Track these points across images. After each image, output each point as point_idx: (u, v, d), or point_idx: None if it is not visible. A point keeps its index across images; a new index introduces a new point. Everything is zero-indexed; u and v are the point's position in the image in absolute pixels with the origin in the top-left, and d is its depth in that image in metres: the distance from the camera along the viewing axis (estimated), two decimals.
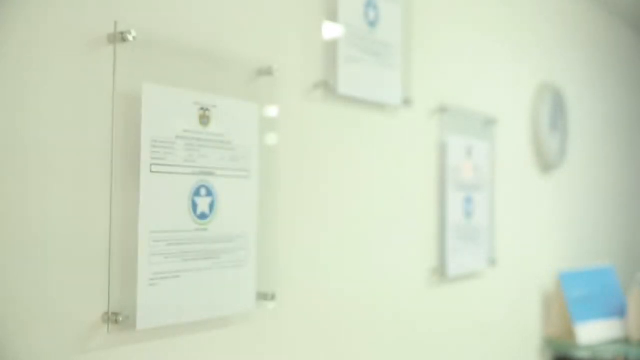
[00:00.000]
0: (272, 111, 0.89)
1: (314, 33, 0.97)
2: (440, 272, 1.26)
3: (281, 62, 0.89)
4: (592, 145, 2.05)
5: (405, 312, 1.19)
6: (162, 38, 0.75)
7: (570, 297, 1.65)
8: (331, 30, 0.99)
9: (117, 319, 0.69)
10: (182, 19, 0.79)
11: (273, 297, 0.86)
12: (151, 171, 0.71)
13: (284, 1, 0.93)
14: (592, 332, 1.64)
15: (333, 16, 0.99)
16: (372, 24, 1.07)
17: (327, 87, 0.98)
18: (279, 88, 0.89)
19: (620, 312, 1.71)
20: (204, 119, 0.77)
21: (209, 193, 0.78)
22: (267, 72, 0.86)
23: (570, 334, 1.66)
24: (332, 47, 0.99)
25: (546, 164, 1.75)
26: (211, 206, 0.78)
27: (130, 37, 0.70)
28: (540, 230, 1.73)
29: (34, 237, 0.63)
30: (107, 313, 0.69)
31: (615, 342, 1.65)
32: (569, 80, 1.87)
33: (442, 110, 1.27)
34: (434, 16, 1.28)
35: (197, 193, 0.76)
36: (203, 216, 0.77)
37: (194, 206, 0.76)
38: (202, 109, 0.77)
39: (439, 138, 1.27)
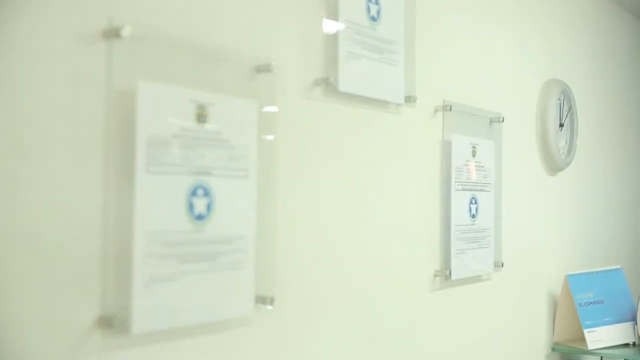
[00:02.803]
0: (271, 109, 0.87)
1: (314, 29, 0.95)
2: (444, 274, 1.23)
3: (280, 59, 0.88)
4: (600, 144, 2.02)
5: (408, 315, 1.16)
6: (158, 34, 0.73)
7: (579, 301, 1.62)
8: (331, 26, 0.97)
9: (112, 322, 0.67)
10: (179, 14, 0.77)
11: (272, 301, 0.84)
12: (147, 171, 0.70)
13: None
14: (601, 337, 1.60)
15: (333, 11, 0.97)
16: (374, 19, 1.05)
17: (328, 84, 0.96)
18: (278, 85, 0.88)
19: (630, 315, 1.67)
20: (201, 117, 0.76)
21: (206, 193, 0.76)
22: (266, 69, 0.85)
23: (579, 338, 1.62)
24: (332, 43, 0.97)
25: (553, 163, 1.72)
26: (208, 207, 0.76)
27: (125, 33, 0.68)
28: (547, 231, 1.70)
29: (25, 238, 0.62)
30: (101, 317, 0.67)
31: (625, 346, 1.62)
32: (576, 77, 1.84)
33: (446, 108, 1.25)
34: (438, 12, 1.26)
35: (194, 193, 0.75)
36: (200, 217, 0.75)
37: (191, 207, 0.74)
38: (199, 106, 0.75)
39: (443, 137, 1.25)
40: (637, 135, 2.31)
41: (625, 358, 1.60)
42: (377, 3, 1.05)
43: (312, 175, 0.96)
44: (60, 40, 0.65)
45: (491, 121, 1.41)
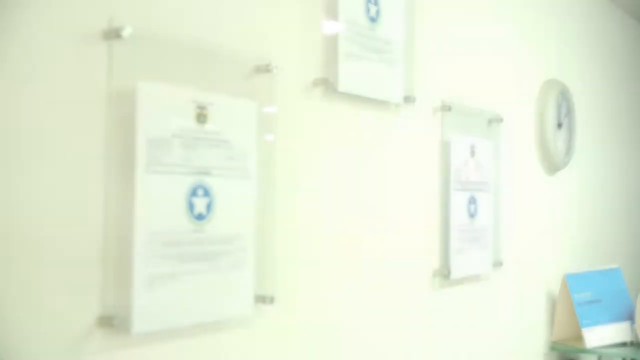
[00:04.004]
0: (270, 109, 0.87)
1: (313, 29, 0.95)
2: (444, 274, 1.24)
3: (280, 59, 0.88)
4: (599, 144, 2.02)
5: (407, 315, 1.16)
6: (158, 34, 0.73)
7: (577, 300, 1.62)
8: (331, 26, 0.97)
9: (112, 322, 0.67)
10: (179, 15, 0.77)
11: (272, 300, 0.84)
12: (147, 171, 0.70)
13: None
14: (599, 336, 1.61)
15: (333, 12, 0.97)
16: (373, 19, 1.05)
17: (327, 84, 0.96)
18: (278, 85, 0.88)
19: (627, 314, 1.68)
20: (201, 117, 0.76)
21: (206, 193, 0.76)
22: (265, 69, 0.85)
23: (577, 337, 1.63)
24: (332, 44, 0.97)
25: (552, 163, 1.72)
26: (208, 207, 0.76)
27: (125, 34, 0.68)
28: (546, 231, 1.71)
29: (25, 239, 0.62)
30: (101, 317, 0.67)
31: (622, 345, 1.62)
32: (575, 77, 1.85)
33: (445, 108, 1.25)
34: (437, 12, 1.26)
35: (194, 193, 0.75)
36: (200, 217, 0.75)
37: (191, 207, 0.74)
38: (199, 107, 0.75)
39: (442, 137, 1.25)
40: (635, 135, 2.32)
41: (623, 357, 1.60)
42: (376, 4, 1.05)
43: (311, 175, 0.96)
44: (60, 41, 0.65)
45: (490, 121, 1.41)
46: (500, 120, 1.43)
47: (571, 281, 1.65)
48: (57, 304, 0.64)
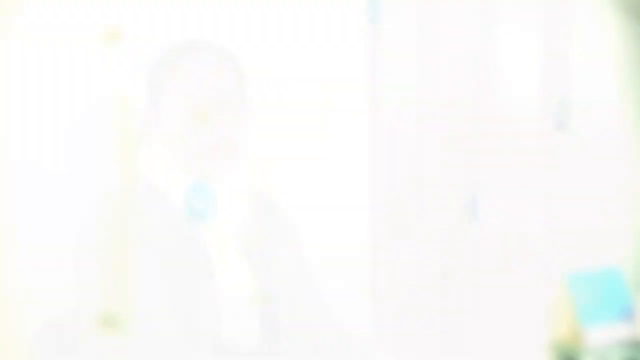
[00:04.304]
0: (271, 108, 0.87)
1: (314, 29, 0.95)
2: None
3: (280, 59, 0.88)
4: (600, 143, 2.02)
5: (407, 314, 1.16)
6: (158, 35, 0.73)
7: (577, 300, 1.62)
8: (331, 26, 0.97)
9: (112, 322, 0.67)
10: (178, 17, 0.77)
11: (271, 300, 0.84)
12: (147, 170, 0.70)
13: None
14: (600, 336, 1.61)
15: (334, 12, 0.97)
16: (373, 20, 1.04)
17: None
18: (279, 86, 0.88)
19: (628, 314, 1.68)
20: (201, 117, 0.76)
21: (206, 193, 0.76)
22: (265, 69, 0.85)
23: (577, 337, 1.63)
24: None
25: (553, 162, 1.72)
26: (208, 207, 0.76)
27: (125, 35, 0.68)
28: (546, 230, 1.70)
29: (25, 239, 0.62)
30: (101, 316, 0.67)
31: (623, 345, 1.62)
32: (576, 76, 1.84)
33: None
34: (438, 12, 1.26)
35: (193, 193, 0.75)
36: (200, 217, 0.75)
37: (191, 207, 0.74)
38: (199, 106, 0.75)
39: None
40: (636, 134, 2.32)
41: (623, 357, 1.60)
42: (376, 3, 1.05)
43: (312, 174, 0.96)
44: (60, 41, 0.65)
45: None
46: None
47: (571, 281, 1.64)
48: (57, 304, 0.64)
